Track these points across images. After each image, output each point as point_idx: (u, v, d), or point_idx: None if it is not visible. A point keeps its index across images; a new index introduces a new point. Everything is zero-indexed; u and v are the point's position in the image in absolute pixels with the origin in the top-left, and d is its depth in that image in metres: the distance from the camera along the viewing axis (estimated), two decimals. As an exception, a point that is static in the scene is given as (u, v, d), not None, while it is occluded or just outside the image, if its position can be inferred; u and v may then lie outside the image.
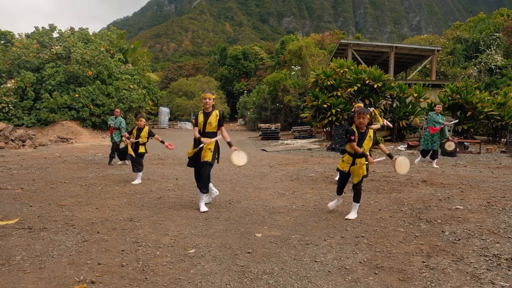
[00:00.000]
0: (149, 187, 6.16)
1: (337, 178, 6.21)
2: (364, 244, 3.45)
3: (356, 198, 4.30)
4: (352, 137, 4.17)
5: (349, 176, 4.36)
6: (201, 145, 4.63)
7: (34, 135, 14.75)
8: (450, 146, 9.09)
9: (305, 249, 3.32)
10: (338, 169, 4.48)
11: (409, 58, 24.26)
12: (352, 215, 4.28)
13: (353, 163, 4.24)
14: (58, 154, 11.11)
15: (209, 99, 4.67)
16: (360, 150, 4.16)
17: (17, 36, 21.12)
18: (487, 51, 25.77)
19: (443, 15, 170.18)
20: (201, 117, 4.71)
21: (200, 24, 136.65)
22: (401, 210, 4.63)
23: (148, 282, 2.66)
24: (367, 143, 4.20)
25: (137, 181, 6.49)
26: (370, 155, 5.50)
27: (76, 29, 21.96)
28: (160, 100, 31.44)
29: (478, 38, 27.61)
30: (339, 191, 4.54)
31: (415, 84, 16.04)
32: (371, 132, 4.22)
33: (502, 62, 24.72)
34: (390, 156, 4.24)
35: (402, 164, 4.24)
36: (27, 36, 20.86)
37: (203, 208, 4.64)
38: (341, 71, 14.74)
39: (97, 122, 19.27)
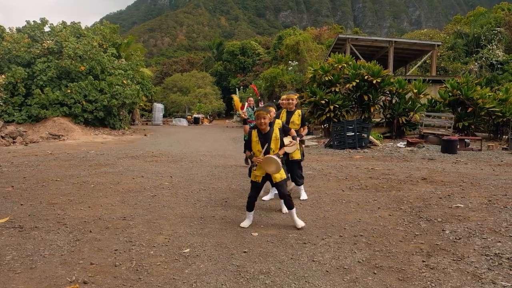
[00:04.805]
0: (142, 185, 6.06)
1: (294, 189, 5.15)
2: (362, 243, 3.42)
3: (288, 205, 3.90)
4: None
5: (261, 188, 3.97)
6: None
7: (25, 131, 14.53)
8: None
9: (303, 248, 3.29)
10: (251, 181, 3.99)
11: (408, 53, 24.08)
12: (298, 223, 3.88)
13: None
14: (50, 151, 10.94)
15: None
16: (249, 154, 3.90)
17: (7, 30, 20.69)
18: (488, 46, 25.57)
19: (443, 9, 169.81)
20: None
21: (195, 18, 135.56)
22: (401, 209, 4.58)
23: (142, 282, 2.63)
24: (276, 144, 3.84)
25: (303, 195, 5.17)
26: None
27: (69, 23, 21.62)
28: (154, 96, 31.16)
29: (479, 32, 27.32)
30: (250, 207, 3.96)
31: (415, 79, 15.85)
32: (277, 132, 3.86)
33: (504, 57, 24.52)
34: (277, 155, 3.85)
35: (269, 161, 3.79)
36: (18, 30, 20.44)
37: None
38: (339, 66, 14.57)
39: (90, 118, 19.02)
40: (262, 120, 3.79)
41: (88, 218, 4.13)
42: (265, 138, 3.83)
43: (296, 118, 5.02)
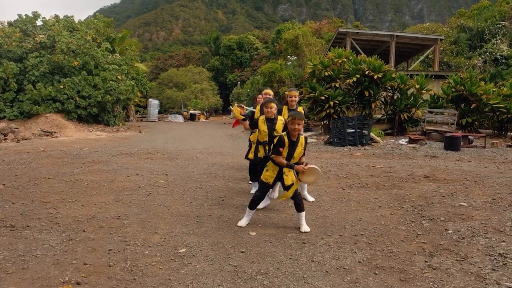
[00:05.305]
0: (137, 183, 5.97)
1: (252, 191, 5.00)
2: (363, 243, 3.37)
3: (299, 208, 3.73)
4: (281, 149, 3.56)
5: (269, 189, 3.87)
6: None
7: (16, 128, 14.33)
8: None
9: (302, 248, 3.25)
10: (260, 181, 3.86)
11: (410, 47, 23.77)
12: (304, 227, 3.71)
13: (280, 173, 3.69)
14: (42, 148, 10.79)
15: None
16: (285, 162, 3.63)
17: (-2, 24, 20.34)
18: (493, 41, 25.14)
19: (446, 3, 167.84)
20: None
21: (191, 12, 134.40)
22: (402, 207, 4.53)
23: (136, 283, 2.58)
24: (299, 152, 3.63)
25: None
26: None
27: (62, 17, 21.30)
28: (149, 92, 30.90)
29: (483, 26, 26.77)
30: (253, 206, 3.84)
31: (417, 75, 15.66)
32: (302, 139, 3.62)
33: (508, 52, 24.15)
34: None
35: (312, 172, 3.64)
36: (10, 24, 20.09)
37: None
38: (339, 61, 14.35)
39: (83, 114, 18.81)
40: (297, 126, 3.48)
41: (82, 217, 4.05)
42: (293, 145, 3.59)
43: None
